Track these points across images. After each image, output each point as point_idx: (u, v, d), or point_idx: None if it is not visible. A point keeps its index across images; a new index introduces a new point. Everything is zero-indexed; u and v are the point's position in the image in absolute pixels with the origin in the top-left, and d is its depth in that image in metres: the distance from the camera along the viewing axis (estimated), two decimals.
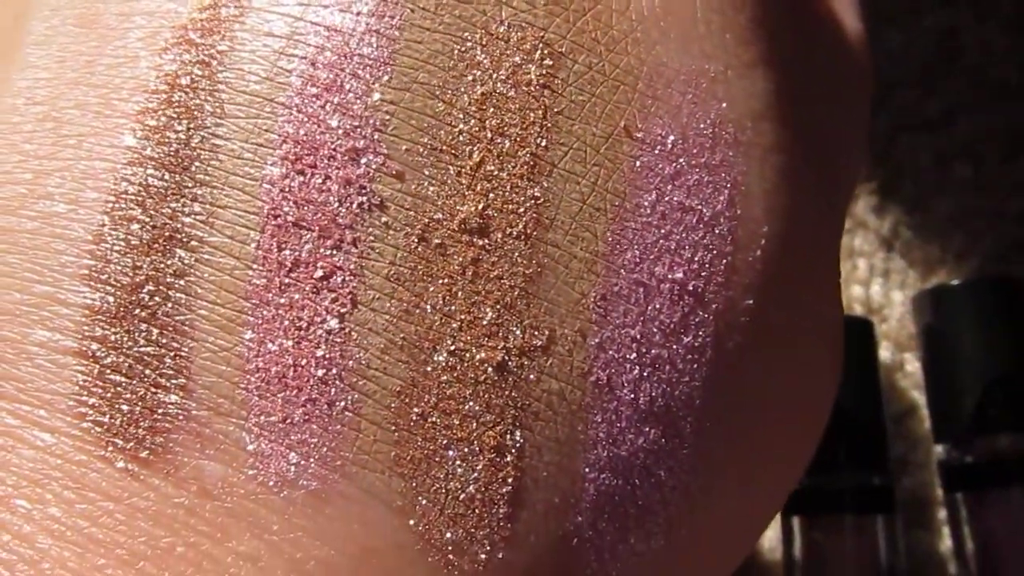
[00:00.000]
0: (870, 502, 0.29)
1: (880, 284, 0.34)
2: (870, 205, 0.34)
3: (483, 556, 0.12)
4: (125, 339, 0.12)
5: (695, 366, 0.13)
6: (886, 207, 0.34)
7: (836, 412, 0.29)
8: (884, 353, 0.33)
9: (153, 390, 0.12)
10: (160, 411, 0.12)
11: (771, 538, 0.31)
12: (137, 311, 0.12)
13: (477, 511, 0.12)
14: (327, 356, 0.12)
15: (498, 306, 0.13)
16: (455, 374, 0.12)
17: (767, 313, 0.14)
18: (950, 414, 0.30)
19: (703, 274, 0.13)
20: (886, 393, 0.32)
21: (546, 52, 0.13)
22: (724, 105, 0.14)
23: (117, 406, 0.12)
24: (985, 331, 0.30)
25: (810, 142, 0.15)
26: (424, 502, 0.12)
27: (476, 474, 0.12)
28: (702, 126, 0.14)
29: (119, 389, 0.12)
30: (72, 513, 0.12)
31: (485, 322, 0.13)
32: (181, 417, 0.12)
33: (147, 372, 0.12)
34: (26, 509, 0.12)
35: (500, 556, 0.12)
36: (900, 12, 0.36)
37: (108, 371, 0.12)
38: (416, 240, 0.13)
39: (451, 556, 0.12)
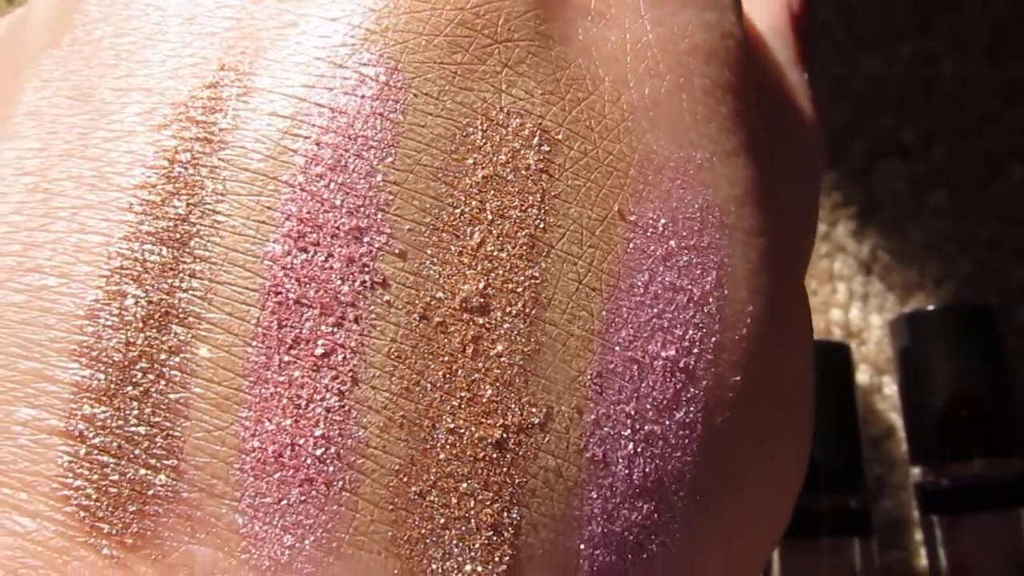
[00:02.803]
0: (847, 525, 0.29)
1: (859, 308, 0.34)
2: (849, 230, 0.35)
3: None
4: (115, 418, 0.12)
5: (686, 441, 0.14)
6: (864, 232, 0.35)
7: (813, 436, 0.29)
8: (863, 376, 0.33)
9: (143, 471, 0.12)
10: (149, 493, 0.12)
11: None
12: (128, 389, 0.12)
13: None
14: (326, 434, 0.12)
15: (497, 384, 0.13)
16: (454, 451, 0.12)
17: (751, 389, 0.14)
18: (926, 437, 0.30)
19: (694, 351, 0.14)
20: (864, 415, 0.33)
21: (544, 138, 0.14)
22: (710, 191, 0.14)
23: (104, 488, 0.12)
24: (960, 356, 0.30)
25: (779, 226, 0.16)
26: None
27: (473, 553, 0.12)
28: (691, 210, 0.14)
29: (106, 471, 0.12)
30: None
31: (484, 399, 0.13)
32: (171, 499, 0.12)
33: (137, 452, 0.12)
34: None
35: None
36: (878, 39, 0.36)
37: (95, 451, 0.12)
38: (418, 318, 0.13)
39: None
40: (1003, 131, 0.35)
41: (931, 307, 0.32)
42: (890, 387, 0.33)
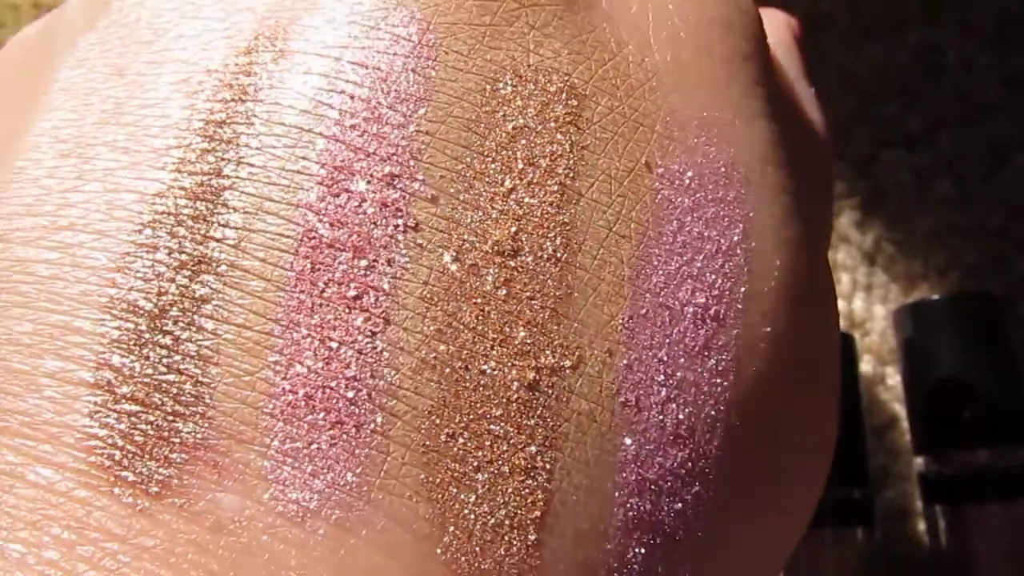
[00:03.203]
0: (850, 515, 0.29)
1: (862, 298, 0.34)
2: (852, 220, 0.35)
3: None
4: (143, 367, 0.12)
5: (719, 389, 0.14)
6: (868, 222, 0.35)
7: None
8: (866, 366, 0.33)
9: (170, 419, 0.12)
10: (176, 441, 0.12)
11: None
12: (158, 337, 0.12)
13: (506, 538, 0.12)
14: (357, 376, 0.12)
15: (530, 326, 0.13)
16: (487, 393, 0.12)
17: (782, 341, 0.14)
18: (929, 427, 0.30)
19: (724, 300, 0.14)
20: (868, 405, 0.33)
21: (571, 93, 0.14)
22: (733, 149, 0.15)
23: (129, 437, 0.12)
24: (964, 346, 0.30)
25: (801, 195, 0.16)
26: (452, 529, 0.12)
27: (505, 498, 0.12)
28: (715, 165, 0.14)
29: (133, 419, 0.12)
30: (71, 557, 0.11)
31: (517, 341, 0.13)
32: (198, 447, 0.12)
33: (164, 400, 0.12)
34: (20, 554, 0.11)
35: None
36: (883, 27, 0.36)
37: (123, 400, 0.12)
38: (450, 260, 0.13)
39: None
40: (1008, 120, 0.35)
41: (935, 297, 0.32)
42: (893, 377, 0.33)
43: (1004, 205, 0.34)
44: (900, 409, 0.33)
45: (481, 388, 0.12)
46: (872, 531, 0.29)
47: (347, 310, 0.12)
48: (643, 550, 0.13)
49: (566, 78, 0.14)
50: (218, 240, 0.12)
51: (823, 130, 0.19)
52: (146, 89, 0.14)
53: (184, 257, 0.12)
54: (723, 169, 0.14)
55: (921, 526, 0.32)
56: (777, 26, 0.20)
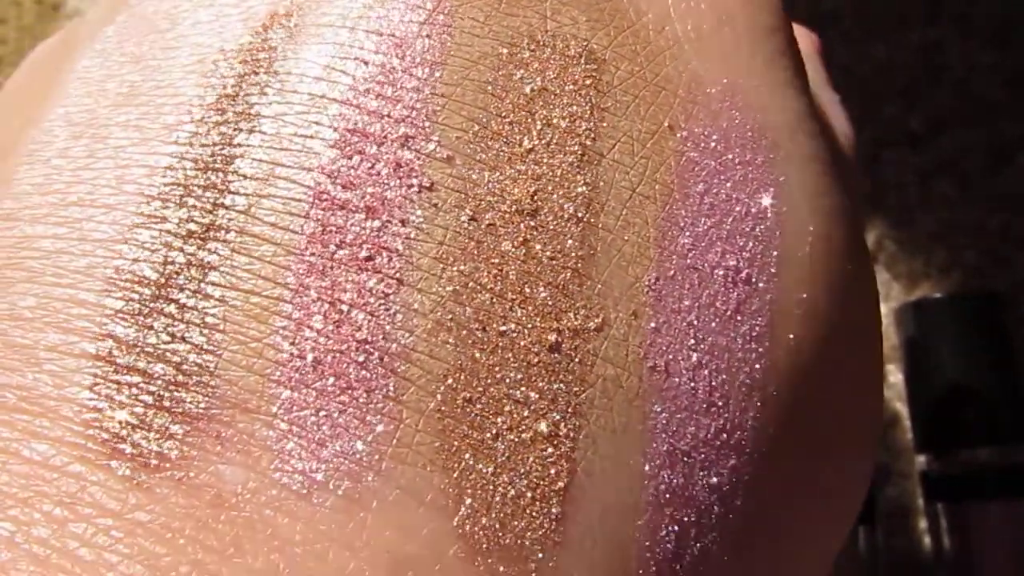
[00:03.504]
0: None
1: None
2: None
3: (533, 564, 0.11)
4: (146, 336, 0.12)
5: (753, 356, 0.13)
6: (870, 221, 0.35)
7: None
8: None
9: (172, 389, 0.11)
10: (178, 411, 0.11)
11: None
12: (163, 306, 0.12)
13: (528, 511, 0.11)
14: (368, 339, 0.11)
15: (551, 286, 0.12)
16: (506, 356, 0.12)
17: (819, 308, 0.14)
18: (931, 426, 0.30)
19: (756, 264, 0.13)
20: None
21: (590, 58, 0.14)
22: (759, 115, 0.14)
23: (129, 409, 0.11)
24: (966, 344, 0.30)
25: (837, 169, 0.16)
26: (469, 501, 0.11)
27: (527, 467, 0.11)
28: (742, 130, 0.14)
29: (133, 390, 0.11)
30: (62, 534, 0.10)
31: (538, 302, 0.12)
32: (200, 418, 0.11)
33: (166, 370, 0.11)
34: (9, 533, 0.10)
35: (552, 564, 0.11)
36: (886, 27, 0.36)
37: (124, 371, 0.11)
38: (466, 220, 0.12)
39: (497, 564, 0.11)
40: (1009, 120, 0.35)
41: (937, 296, 0.32)
42: (895, 375, 0.33)
43: (1005, 204, 0.34)
44: (902, 407, 0.33)
45: (500, 350, 0.12)
46: (874, 529, 0.29)
47: (359, 271, 0.12)
48: (676, 527, 0.12)
49: (584, 43, 0.14)
50: (228, 207, 0.12)
51: (848, 136, 0.19)
52: (161, 72, 0.14)
53: (193, 227, 0.12)
54: (750, 133, 0.14)
55: (923, 524, 0.32)
56: (800, 36, 0.20)
